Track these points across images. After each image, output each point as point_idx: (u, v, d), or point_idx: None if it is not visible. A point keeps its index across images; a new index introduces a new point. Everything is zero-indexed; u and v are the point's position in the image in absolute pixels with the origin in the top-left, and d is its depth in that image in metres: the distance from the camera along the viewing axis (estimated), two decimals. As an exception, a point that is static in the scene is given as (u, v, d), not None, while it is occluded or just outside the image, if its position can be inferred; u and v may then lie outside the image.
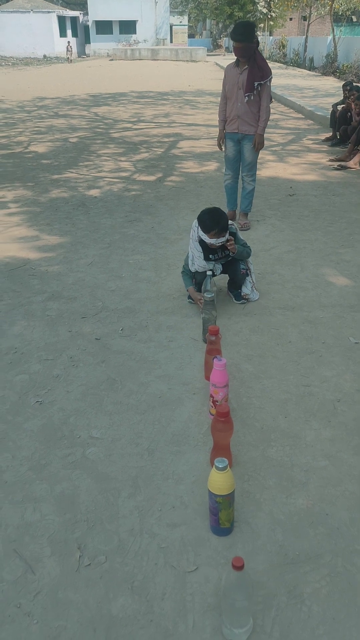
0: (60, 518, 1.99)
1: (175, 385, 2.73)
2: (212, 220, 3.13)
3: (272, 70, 4.50)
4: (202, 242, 3.28)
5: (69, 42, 39.41)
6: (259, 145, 4.70)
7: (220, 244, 3.19)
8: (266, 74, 4.42)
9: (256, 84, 4.40)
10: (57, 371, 2.87)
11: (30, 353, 3.04)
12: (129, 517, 1.99)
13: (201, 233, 3.19)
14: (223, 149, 4.93)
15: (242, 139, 4.70)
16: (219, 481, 1.80)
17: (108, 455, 2.29)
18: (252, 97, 4.46)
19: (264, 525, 1.94)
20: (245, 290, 3.52)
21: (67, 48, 37.62)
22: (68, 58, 36.74)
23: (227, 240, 3.22)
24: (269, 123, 4.85)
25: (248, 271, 3.51)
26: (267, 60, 4.59)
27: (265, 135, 4.74)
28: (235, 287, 3.58)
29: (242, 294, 3.52)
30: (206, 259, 3.32)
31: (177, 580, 1.75)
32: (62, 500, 2.07)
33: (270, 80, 4.46)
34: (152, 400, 2.63)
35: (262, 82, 4.40)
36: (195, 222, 3.27)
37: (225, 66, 25.56)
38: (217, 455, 2.02)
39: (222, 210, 3.22)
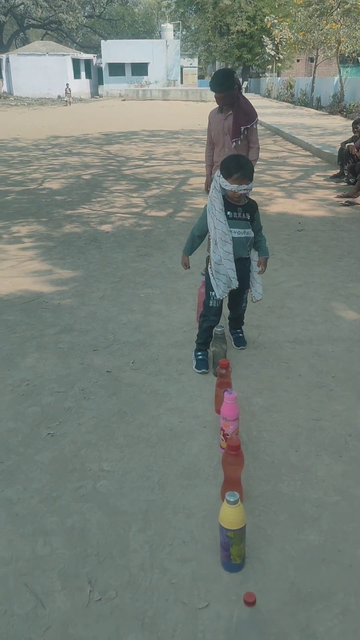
0: (70, 552, 1.98)
1: (186, 418, 2.75)
2: (236, 163, 2.91)
3: (257, 112, 4.35)
4: (224, 200, 3.02)
5: (67, 84, 37.07)
6: None
7: (242, 192, 2.94)
8: (252, 117, 4.27)
9: (242, 128, 4.26)
10: (68, 403, 2.90)
11: (42, 385, 3.07)
12: (140, 551, 1.98)
13: (222, 180, 2.94)
14: None
15: None
16: (230, 515, 1.80)
17: (119, 488, 2.29)
18: (239, 142, 4.33)
19: (275, 562, 1.92)
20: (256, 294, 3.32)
21: (65, 91, 35.44)
22: (67, 101, 34.79)
23: (246, 195, 2.97)
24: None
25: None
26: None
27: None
28: (236, 326, 3.52)
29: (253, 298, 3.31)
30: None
31: (188, 617, 1.73)
32: (73, 533, 2.06)
33: (257, 123, 4.33)
34: (163, 433, 2.64)
35: (248, 126, 4.25)
36: (217, 172, 3.01)
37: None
38: (228, 489, 2.02)
39: (248, 158, 3.04)
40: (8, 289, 4.51)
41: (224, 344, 3.06)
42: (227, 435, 2.38)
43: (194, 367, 3.19)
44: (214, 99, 4.25)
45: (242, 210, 3.04)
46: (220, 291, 3.09)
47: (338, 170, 9.14)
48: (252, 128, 4.31)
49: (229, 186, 2.91)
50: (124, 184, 9.08)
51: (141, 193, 8.29)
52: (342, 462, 2.42)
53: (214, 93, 4.17)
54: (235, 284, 3.07)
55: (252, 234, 3.10)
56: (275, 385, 3.03)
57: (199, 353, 3.25)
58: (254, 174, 4.53)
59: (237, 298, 3.33)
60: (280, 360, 3.29)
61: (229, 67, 48.12)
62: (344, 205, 7.28)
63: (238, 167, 2.89)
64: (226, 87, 4.10)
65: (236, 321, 3.50)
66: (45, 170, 10.51)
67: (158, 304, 4.13)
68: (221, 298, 3.13)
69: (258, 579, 1.86)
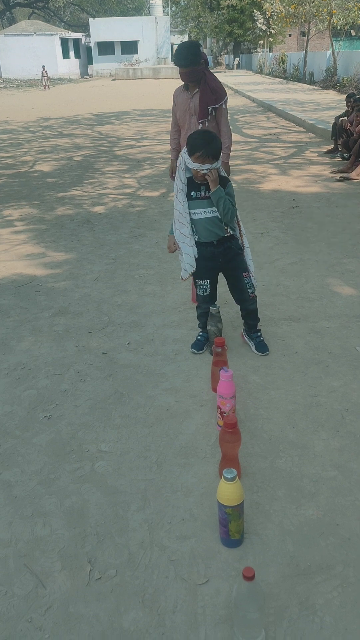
0: (70, 532, 1.99)
1: (183, 397, 2.74)
2: (201, 140, 2.70)
3: (226, 91, 3.98)
4: (190, 180, 2.86)
5: (43, 66, 34.07)
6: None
7: (204, 171, 2.72)
8: (220, 96, 3.85)
9: (210, 108, 3.85)
10: (64, 386, 2.89)
11: (38, 368, 3.06)
12: (139, 530, 1.99)
13: (186, 157, 2.75)
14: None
15: None
16: (228, 492, 1.80)
17: (117, 468, 2.29)
18: (206, 123, 3.90)
19: (274, 537, 1.93)
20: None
21: (42, 73, 31.92)
22: (44, 85, 31.38)
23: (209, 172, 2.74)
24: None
25: (251, 276, 3.05)
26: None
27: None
28: (252, 326, 3.16)
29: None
30: (187, 196, 2.86)
31: (188, 593, 1.74)
32: (72, 514, 2.07)
33: (225, 102, 3.88)
34: (160, 413, 2.63)
35: (216, 105, 3.85)
36: (184, 148, 2.81)
37: (223, 81, 25.63)
38: (226, 467, 2.02)
39: (216, 135, 2.78)
40: (1, 272, 4.48)
41: (219, 322, 3.04)
42: (224, 413, 2.37)
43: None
44: (180, 76, 3.85)
45: (205, 188, 2.83)
46: (183, 270, 2.99)
47: (332, 146, 9.05)
48: (220, 108, 3.92)
49: (192, 164, 2.73)
50: (116, 164, 8.97)
51: (134, 173, 8.20)
52: (339, 437, 2.42)
53: (178, 69, 3.80)
54: (190, 269, 2.92)
55: None
56: (272, 362, 3.03)
57: (200, 332, 3.23)
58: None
59: (235, 282, 3.04)
60: (277, 337, 3.28)
61: (220, 43, 47.35)
62: (338, 180, 7.22)
63: (202, 144, 2.69)
64: (191, 60, 3.71)
65: (250, 317, 3.13)
66: (36, 152, 10.38)
67: (152, 285, 4.10)
68: (183, 278, 3.01)
69: (257, 554, 1.87)
